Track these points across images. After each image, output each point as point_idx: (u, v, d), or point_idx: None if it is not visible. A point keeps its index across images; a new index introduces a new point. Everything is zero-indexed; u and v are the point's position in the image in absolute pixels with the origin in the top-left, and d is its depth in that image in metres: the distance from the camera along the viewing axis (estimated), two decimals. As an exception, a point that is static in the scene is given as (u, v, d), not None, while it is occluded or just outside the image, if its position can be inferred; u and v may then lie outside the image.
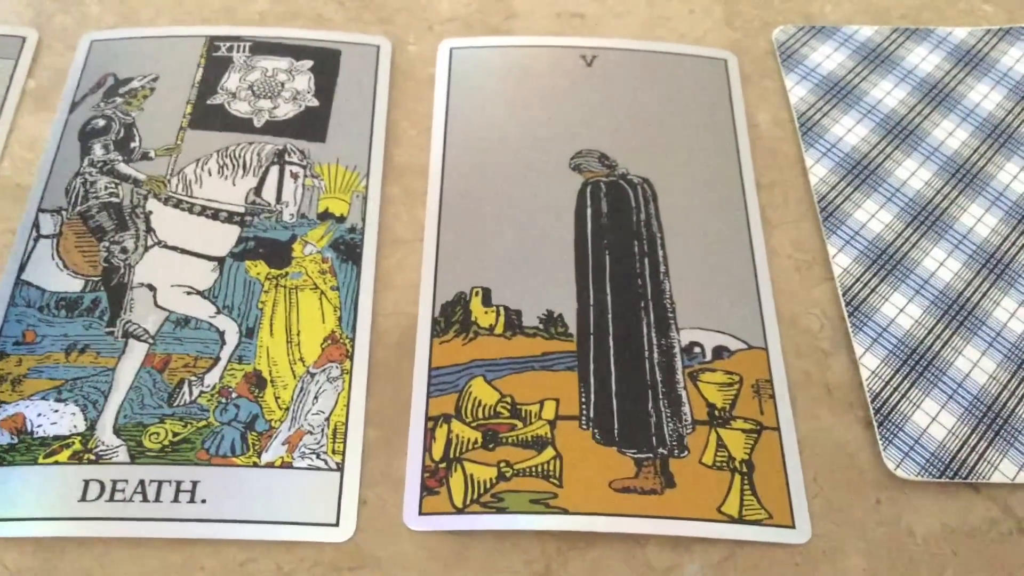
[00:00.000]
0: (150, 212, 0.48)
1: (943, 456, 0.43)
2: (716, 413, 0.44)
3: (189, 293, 0.46)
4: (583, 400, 0.44)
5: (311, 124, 0.52)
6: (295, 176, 0.50)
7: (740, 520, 0.41)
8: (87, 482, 0.41)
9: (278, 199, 0.49)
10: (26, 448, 0.42)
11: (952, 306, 0.47)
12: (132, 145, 0.51)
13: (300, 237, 0.48)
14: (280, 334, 0.45)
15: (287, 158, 0.50)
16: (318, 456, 0.42)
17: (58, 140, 0.51)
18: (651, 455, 0.42)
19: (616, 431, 0.43)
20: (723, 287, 0.47)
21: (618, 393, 0.44)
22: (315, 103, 0.53)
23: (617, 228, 0.49)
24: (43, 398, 0.43)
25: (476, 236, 0.49)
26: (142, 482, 0.41)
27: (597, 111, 0.53)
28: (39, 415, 0.42)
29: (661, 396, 0.44)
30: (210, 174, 0.50)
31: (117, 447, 0.42)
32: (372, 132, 0.52)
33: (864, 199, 0.51)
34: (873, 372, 0.45)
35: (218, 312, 0.46)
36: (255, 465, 0.42)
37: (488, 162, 0.51)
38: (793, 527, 0.41)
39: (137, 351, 0.44)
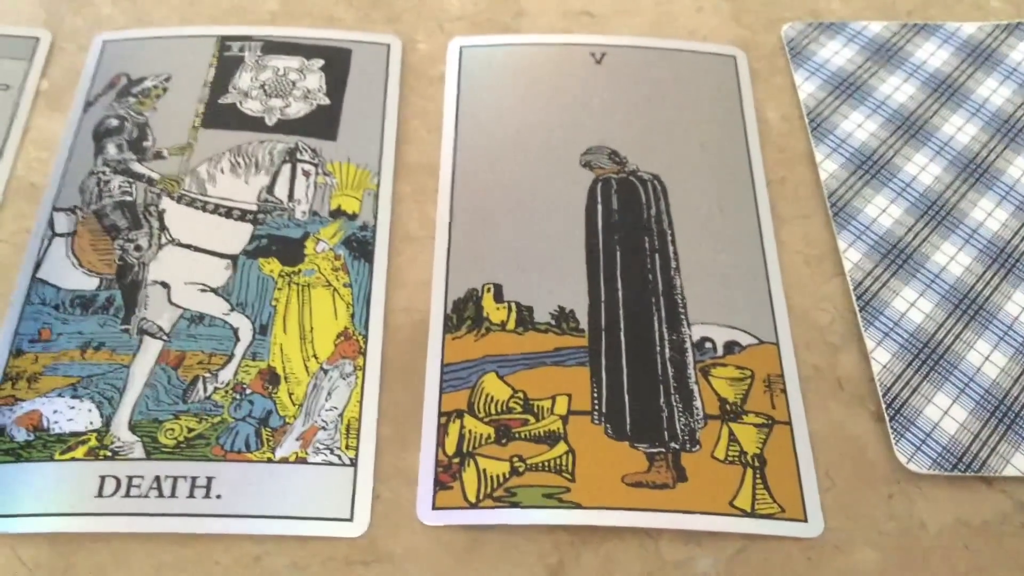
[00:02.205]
0: (164, 210, 0.49)
1: (955, 450, 0.43)
2: (728, 408, 0.44)
3: (203, 290, 0.46)
4: (595, 395, 0.44)
5: (322, 122, 0.52)
6: (307, 174, 0.50)
7: (752, 514, 0.41)
8: (103, 478, 0.41)
9: (290, 197, 0.49)
10: (43, 445, 0.42)
11: (963, 300, 0.47)
12: (145, 144, 0.51)
13: (312, 235, 0.48)
14: (293, 331, 0.45)
15: (299, 156, 0.51)
16: (332, 452, 0.42)
17: (72, 140, 0.51)
18: (663, 449, 0.43)
19: (628, 426, 0.43)
20: (734, 282, 0.48)
21: (630, 388, 0.44)
22: (326, 102, 0.53)
23: (627, 224, 0.49)
24: (59, 395, 0.43)
25: (487, 233, 0.49)
26: (157, 478, 0.41)
27: (607, 108, 0.54)
28: (55, 412, 0.43)
29: (673, 391, 0.44)
30: (223, 172, 0.50)
31: (133, 443, 0.42)
32: (383, 130, 0.52)
33: (874, 194, 0.51)
34: (884, 366, 0.45)
35: (232, 309, 0.46)
36: (269, 461, 0.42)
37: (498, 159, 0.51)
38: (805, 521, 0.41)
39: (152, 348, 0.45)
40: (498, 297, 0.47)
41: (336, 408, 0.43)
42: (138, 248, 0.47)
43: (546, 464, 0.42)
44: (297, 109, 0.53)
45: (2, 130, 0.52)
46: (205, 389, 0.44)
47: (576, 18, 0.58)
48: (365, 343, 0.45)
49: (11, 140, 0.51)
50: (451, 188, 0.50)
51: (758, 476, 0.42)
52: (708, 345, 0.46)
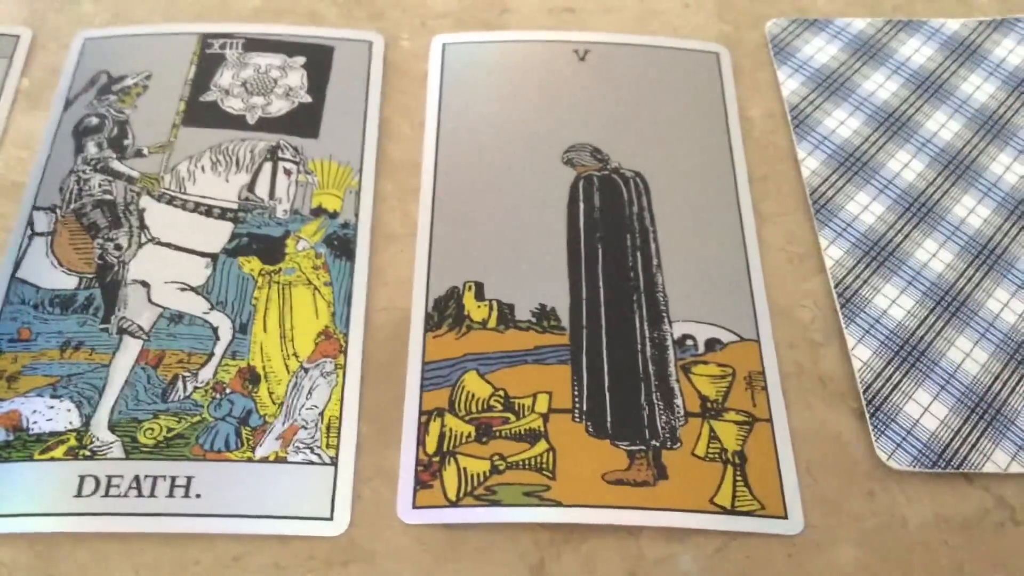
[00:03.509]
0: (144, 209, 0.49)
1: (936, 446, 0.43)
2: (709, 405, 0.44)
3: (183, 289, 0.46)
4: (576, 393, 0.44)
5: (304, 120, 0.52)
6: (288, 172, 0.50)
7: (733, 511, 0.41)
8: (82, 478, 0.41)
9: (271, 195, 0.49)
10: (22, 445, 0.42)
11: (944, 297, 0.47)
12: (125, 142, 0.51)
13: (293, 233, 0.48)
14: (274, 330, 0.45)
15: (280, 154, 0.50)
16: (312, 451, 0.42)
17: (52, 138, 0.51)
18: (644, 447, 0.43)
19: (609, 424, 0.43)
20: (716, 280, 0.48)
21: (611, 386, 0.44)
22: (308, 99, 0.53)
23: (610, 222, 0.49)
24: (38, 395, 0.43)
25: (469, 231, 0.49)
26: (137, 478, 0.41)
27: (590, 105, 0.53)
28: (34, 412, 0.43)
29: (654, 388, 0.44)
30: (203, 171, 0.50)
31: (112, 443, 0.42)
32: (365, 128, 0.52)
33: (856, 191, 0.51)
34: (865, 363, 0.45)
35: (212, 308, 0.46)
36: (249, 460, 0.42)
37: (481, 157, 0.51)
38: (786, 518, 0.41)
39: (131, 347, 0.44)
40: (479, 295, 0.46)
41: (316, 407, 0.43)
42: (118, 247, 0.47)
43: (527, 462, 0.42)
44: (279, 107, 0.53)
45: (-18, 128, 0.52)
46: (185, 388, 0.43)
47: (559, 15, 0.58)
48: (346, 342, 0.45)
49: (-9, 139, 0.51)
50: (433, 186, 0.50)
51: (738, 473, 0.42)
52: (689, 342, 0.46)
